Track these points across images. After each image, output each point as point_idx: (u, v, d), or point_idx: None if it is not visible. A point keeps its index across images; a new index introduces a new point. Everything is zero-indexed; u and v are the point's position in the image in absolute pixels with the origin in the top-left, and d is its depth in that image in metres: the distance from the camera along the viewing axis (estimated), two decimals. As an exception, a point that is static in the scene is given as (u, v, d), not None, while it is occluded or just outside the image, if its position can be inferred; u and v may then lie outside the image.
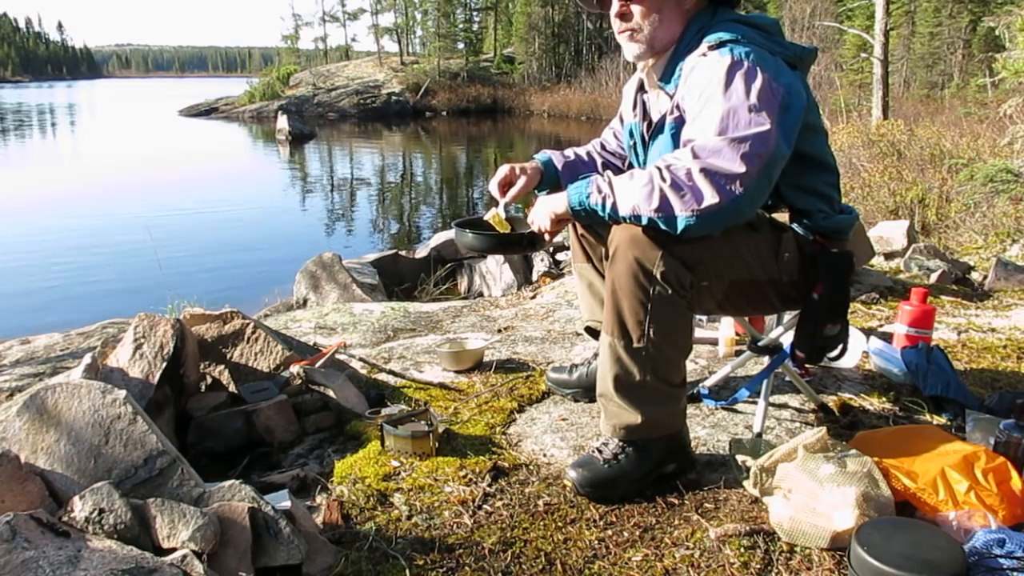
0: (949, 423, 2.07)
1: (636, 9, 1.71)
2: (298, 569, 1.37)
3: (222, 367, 2.25)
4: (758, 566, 1.46)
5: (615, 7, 1.73)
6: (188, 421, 2.00)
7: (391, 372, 2.51)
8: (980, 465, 1.57)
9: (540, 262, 6.85)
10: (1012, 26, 5.80)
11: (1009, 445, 1.64)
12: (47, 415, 1.48)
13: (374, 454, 1.88)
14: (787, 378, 2.20)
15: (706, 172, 1.49)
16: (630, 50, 1.77)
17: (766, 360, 2.03)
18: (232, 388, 2.20)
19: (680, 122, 1.68)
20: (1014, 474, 1.56)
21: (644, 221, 1.54)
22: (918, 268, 4.03)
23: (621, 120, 2.09)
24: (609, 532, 1.58)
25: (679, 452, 1.79)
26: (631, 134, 1.95)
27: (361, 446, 1.95)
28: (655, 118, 1.82)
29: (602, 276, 2.05)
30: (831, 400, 2.25)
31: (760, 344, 2.06)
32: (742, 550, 1.50)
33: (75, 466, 1.45)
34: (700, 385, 2.26)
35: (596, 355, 2.06)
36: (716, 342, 2.70)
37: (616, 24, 1.76)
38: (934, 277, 3.81)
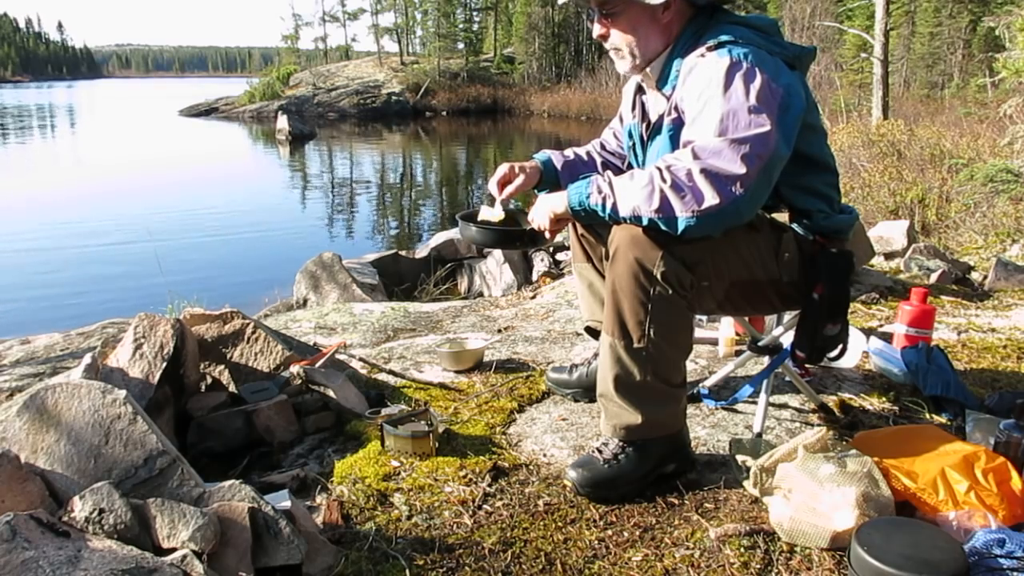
0: (949, 423, 2.07)
1: (614, 32, 1.75)
2: (298, 569, 1.37)
3: (222, 367, 2.25)
4: (758, 566, 1.46)
5: (597, 30, 1.78)
6: (188, 421, 2.00)
7: (391, 372, 2.51)
8: (980, 465, 1.57)
9: (540, 262, 6.85)
10: (1012, 26, 5.80)
11: (1009, 445, 1.64)
12: (47, 415, 1.48)
13: (374, 454, 1.88)
14: (787, 378, 2.20)
15: (706, 173, 1.49)
16: (619, 66, 1.82)
17: (766, 360, 2.03)
18: (232, 388, 2.20)
19: (678, 123, 1.69)
20: (1014, 474, 1.56)
21: (644, 222, 1.54)
22: (918, 268, 4.03)
23: (621, 120, 2.09)
24: (609, 532, 1.58)
25: (679, 452, 1.79)
26: (630, 135, 1.96)
27: (361, 446, 1.95)
28: (653, 119, 1.83)
29: (602, 276, 2.05)
30: (831, 400, 2.25)
31: (760, 344, 2.06)
32: (742, 550, 1.50)
33: (75, 466, 1.45)
34: (700, 385, 2.26)
35: (596, 355, 2.06)
36: (716, 342, 2.70)
37: (602, 43, 1.79)
38: (934, 277, 3.81)
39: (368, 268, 6.48)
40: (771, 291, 1.80)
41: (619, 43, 1.75)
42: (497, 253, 6.80)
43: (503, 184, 2.01)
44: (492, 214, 1.99)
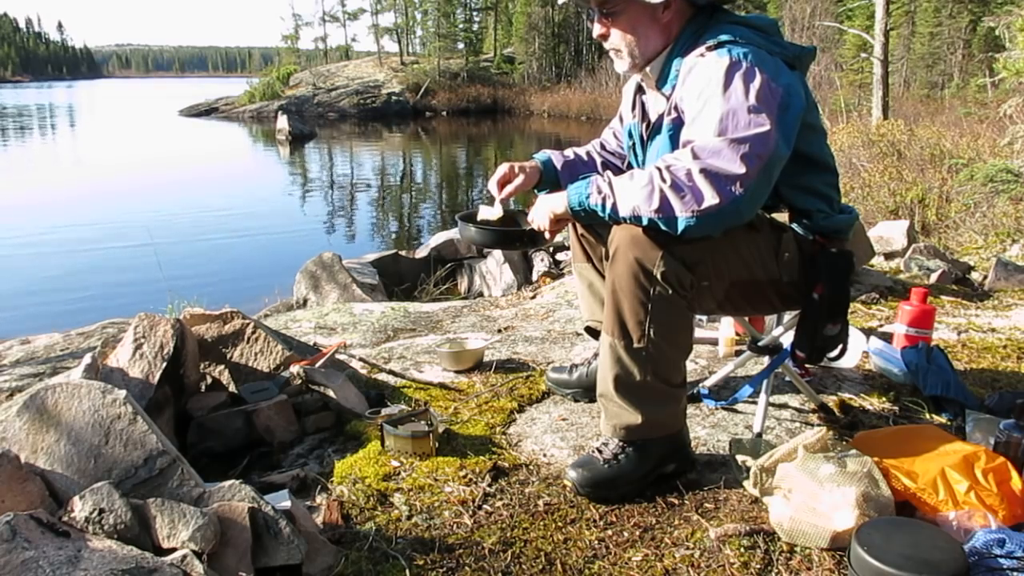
0: (949, 423, 2.07)
1: (614, 31, 1.75)
2: (298, 569, 1.37)
3: (222, 367, 2.25)
4: (758, 566, 1.46)
5: (597, 29, 1.78)
6: (188, 421, 2.00)
7: (391, 372, 2.51)
8: (980, 465, 1.57)
9: (540, 262, 6.85)
10: (1012, 26, 5.80)
11: (1009, 445, 1.64)
12: (47, 415, 1.48)
13: (374, 454, 1.88)
14: (787, 378, 2.20)
15: (706, 173, 1.49)
16: (618, 66, 1.81)
17: (766, 360, 2.03)
18: (232, 388, 2.20)
19: (678, 123, 1.69)
20: (1014, 474, 1.56)
21: (644, 222, 1.54)
22: (918, 268, 4.03)
23: (621, 120, 2.09)
24: (609, 532, 1.58)
25: (679, 452, 1.79)
26: (630, 135, 1.96)
27: (361, 446, 1.95)
28: (653, 119, 1.83)
29: (602, 276, 2.05)
30: (831, 400, 2.25)
31: (760, 344, 2.06)
32: (742, 550, 1.50)
33: (75, 466, 1.45)
34: (700, 385, 2.26)
35: (596, 355, 2.06)
36: (716, 342, 2.70)
37: (603, 42, 1.79)
38: (934, 277, 3.81)
39: (368, 268, 6.48)
40: (771, 291, 1.80)
41: (619, 43, 1.75)
42: (497, 253, 6.80)
43: (503, 184, 2.01)
44: (492, 214, 1.99)
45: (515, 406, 2.23)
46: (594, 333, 2.16)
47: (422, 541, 1.54)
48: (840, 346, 1.83)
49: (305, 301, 5.50)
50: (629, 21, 1.72)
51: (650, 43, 1.73)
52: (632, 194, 1.54)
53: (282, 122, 24.72)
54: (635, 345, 1.63)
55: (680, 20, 1.72)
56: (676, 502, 1.70)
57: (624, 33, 1.73)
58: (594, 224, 1.98)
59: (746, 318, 2.19)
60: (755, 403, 2.02)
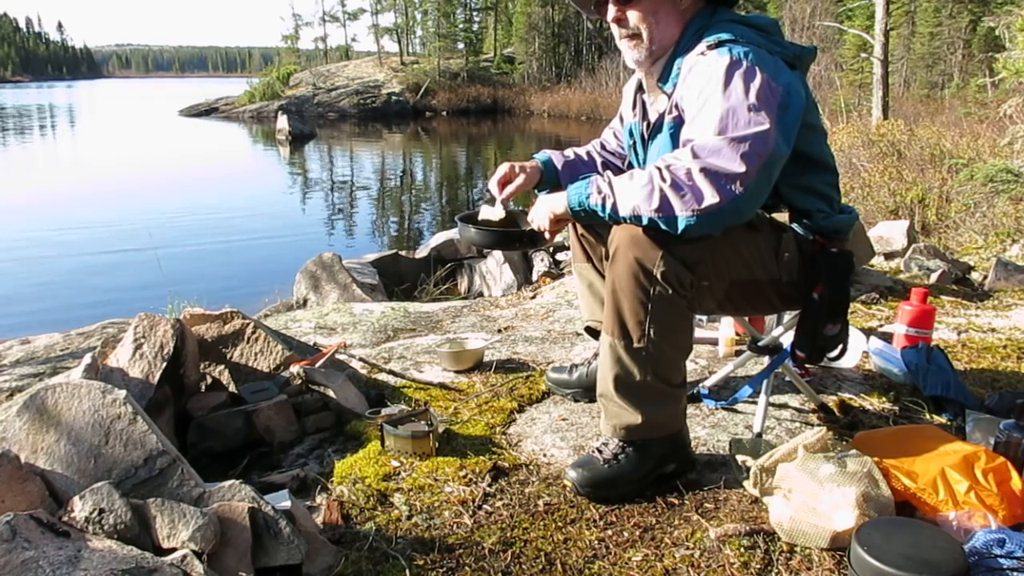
0: (949, 423, 2.07)
1: (632, 14, 1.72)
2: (298, 569, 1.37)
3: (222, 367, 2.25)
4: (758, 566, 1.46)
5: (611, 13, 1.75)
6: (188, 421, 2.00)
7: (391, 372, 2.51)
8: (980, 465, 1.57)
9: (540, 262, 6.85)
10: (1012, 26, 5.80)
11: (1009, 445, 1.64)
12: (47, 415, 1.48)
13: (374, 454, 1.88)
14: (787, 378, 2.20)
15: (706, 172, 1.49)
16: (630, 56, 1.78)
17: (766, 360, 2.03)
18: (232, 388, 2.20)
19: (679, 121, 1.69)
20: (1014, 474, 1.56)
21: (644, 221, 1.54)
22: (918, 268, 4.03)
23: (621, 120, 2.09)
24: (609, 532, 1.58)
25: (679, 452, 1.79)
26: (631, 134, 1.96)
27: (361, 446, 1.95)
28: (653, 118, 1.82)
29: (602, 276, 2.05)
30: (831, 400, 2.25)
31: (760, 344, 2.06)
32: (742, 550, 1.50)
33: (75, 466, 1.45)
34: (700, 385, 2.26)
35: (596, 355, 2.06)
36: (716, 342, 2.70)
37: (615, 30, 1.77)
38: (934, 277, 3.81)
39: (368, 268, 6.48)
40: (771, 291, 1.80)
41: (636, 25, 1.73)
42: (497, 253, 6.81)
43: (503, 184, 2.01)
44: (493, 213, 1.99)
45: (515, 406, 2.23)
46: (594, 333, 2.16)
47: (422, 541, 1.54)
48: (840, 346, 1.83)
49: (305, 301, 5.50)
50: (651, 5, 1.71)
51: (668, 30, 1.72)
52: (632, 194, 1.54)
53: (282, 122, 24.72)
54: (635, 345, 1.63)
55: (695, 8, 1.72)
56: (676, 502, 1.70)
57: (644, 16, 1.71)
58: (594, 224, 1.98)
59: (746, 318, 2.19)
60: (755, 403, 2.02)
